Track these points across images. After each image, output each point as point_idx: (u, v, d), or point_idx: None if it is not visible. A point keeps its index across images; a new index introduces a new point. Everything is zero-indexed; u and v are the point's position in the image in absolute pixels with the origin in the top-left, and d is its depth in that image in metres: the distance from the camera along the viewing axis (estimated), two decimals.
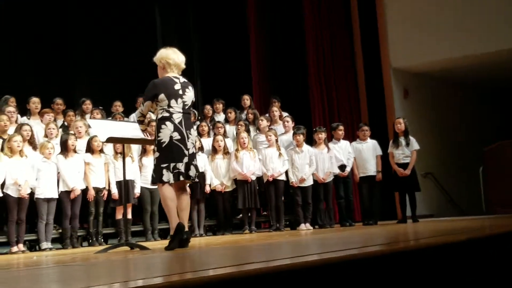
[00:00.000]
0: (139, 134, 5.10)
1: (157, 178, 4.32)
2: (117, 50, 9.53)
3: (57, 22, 9.28)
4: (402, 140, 7.44)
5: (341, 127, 7.86)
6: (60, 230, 6.37)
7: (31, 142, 6.34)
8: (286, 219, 7.59)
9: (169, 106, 4.33)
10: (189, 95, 4.44)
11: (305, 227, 7.27)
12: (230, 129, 8.06)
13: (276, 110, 8.12)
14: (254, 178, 7.29)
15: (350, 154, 7.68)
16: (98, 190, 6.51)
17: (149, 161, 6.40)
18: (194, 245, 4.56)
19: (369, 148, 7.70)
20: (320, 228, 7.35)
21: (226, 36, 10.43)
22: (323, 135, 7.60)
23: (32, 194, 6.08)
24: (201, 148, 7.15)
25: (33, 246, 6.28)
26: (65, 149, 6.37)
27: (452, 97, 10.84)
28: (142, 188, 6.78)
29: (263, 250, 3.69)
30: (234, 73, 10.18)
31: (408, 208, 7.41)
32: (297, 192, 7.36)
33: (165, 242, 4.41)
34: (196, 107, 8.49)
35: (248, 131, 7.64)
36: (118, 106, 7.90)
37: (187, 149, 4.33)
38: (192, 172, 4.36)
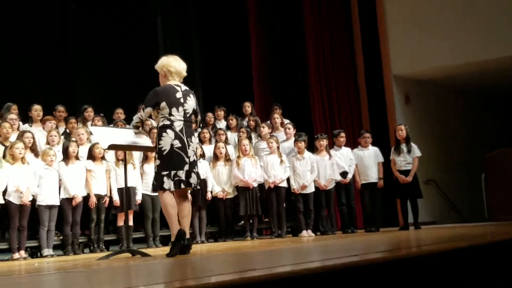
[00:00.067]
0: (141, 141, 5.11)
1: (158, 185, 4.34)
2: (118, 55, 9.58)
3: (58, 26, 9.33)
4: (403, 147, 7.43)
5: (343, 134, 7.86)
6: (62, 237, 6.37)
7: (33, 149, 6.35)
8: (287, 226, 7.58)
9: (170, 114, 4.34)
10: (190, 103, 4.46)
11: (307, 234, 7.25)
12: (232, 136, 8.06)
13: (277, 117, 8.14)
14: (255, 185, 7.29)
15: (352, 161, 7.67)
16: (99, 197, 6.52)
17: (151, 168, 6.40)
18: (195, 252, 4.55)
19: (370, 155, 7.70)
20: (322, 235, 7.33)
21: (227, 38, 10.47)
22: (324, 142, 7.60)
23: (33, 201, 6.09)
24: (202, 155, 7.16)
25: (34, 252, 6.28)
26: (66, 156, 6.38)
27: (454, 103, 10.84)
28: (143, 195, 6.78)
29: (265, 257, 3.68)
30: (235, 76, 10.22)
31: (410, 215, 7.40)
32: (299, 199, 7.35)
33: (167, 249, 4.41)
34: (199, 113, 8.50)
35: (249, 138, 7.64)
36: (119, 113, 7.92)
37: (188, 157, 4.34)
38: (193, 180, 4.37)
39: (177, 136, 4.31)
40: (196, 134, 6.76)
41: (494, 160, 9.09)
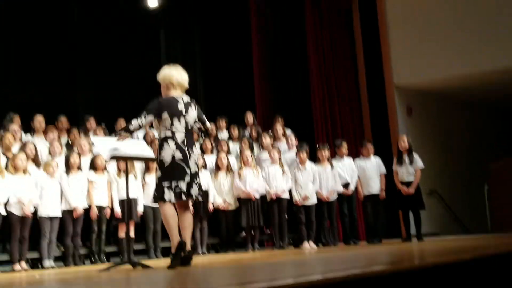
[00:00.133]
0: (142, 152, 5.11)
1: (158, 196, 4.33)
2: (121, 66, 9.61)
3: (61, 38, 9.36)
4: (405, 158, 7.39)
5: (345, 145, 7.85)
6: (63, 248, 6.34)
7: (35, 160, 6.35)
8: (289, 237, 7.54)
9: (171, 125, 4.35)
10: (192, 114, 4.46)
11: (309, 245, 7.21)
12: (234, 146, 8.05)
13: (279, 127, 8.12)
14: (258, 196, 7.26)
15: (354, 172, 7.65)
16: (101, 208, 6.50)
17: (152, 179, 6.39)
18: (197, 264, 4.52)
19: (372, 165, 7.67)
20: (324, 247, 7.29)
21: (229, 49, 10.51)
22: (326, 153, 7.58)
23: (35, 212, 6.07)
24: (204, 166, 7.15)
25: (35, 264, 6.25)
26: (68, 167, 6.38)
27: (456, 114, 10.82)
28: (145, 206, 6.76)
29: (267, 269, 3.66)
30: (237, 86, 10.24)
31: (413, 227, 7.35)
32: (301, 210, 7.32)
33: (168, 261, 4.39)
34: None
35: (251, 148, 7.63)
36: (122, 124, 7.91)
37: (189, 168, 4.33)
38: (194, 191, 4.36)
39: (178, 148, 4.31)
40: (197, 145, 6.78)
41: (497, 171, 9.06)
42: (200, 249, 7.01)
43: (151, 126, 7.47)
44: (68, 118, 7.65)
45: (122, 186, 6.41)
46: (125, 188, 5.42)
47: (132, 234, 6.26)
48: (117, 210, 6.57)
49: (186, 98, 4.50)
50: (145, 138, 7.38)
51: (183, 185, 4.30)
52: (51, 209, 6.15)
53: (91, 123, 7.63)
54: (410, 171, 7.33)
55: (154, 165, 6.22)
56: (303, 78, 9.78)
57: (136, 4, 10.18)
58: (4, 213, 5.82)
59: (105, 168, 6.65)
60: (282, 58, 10.18)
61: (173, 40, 10.83)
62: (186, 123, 4.40)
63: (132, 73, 9.50)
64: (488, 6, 8.91)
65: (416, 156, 7.40)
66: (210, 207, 7.16)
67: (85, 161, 6.68)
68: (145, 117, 4.42)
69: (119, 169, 6.66)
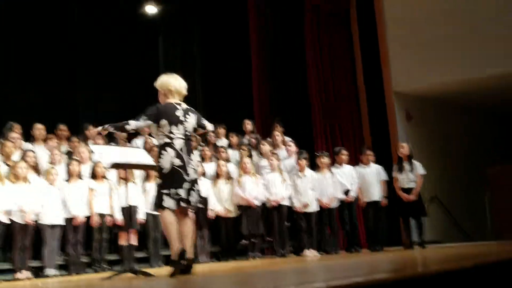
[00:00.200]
0: (142, 160, 5.11)
1: (158, 204, 4.33)
2: (120, 73, 9.64)
3: (60, 44, 9.38)
4: (406, 164, 7.39)
5: (344, 152, 7.84)
6: (65, 257, 6.33)
7: (35, 168, 6.35)
8: (290, 245, 7.53)
9: (170, 132, 4.36)
10: (190, 121, 4.48)
11: (310, 253, 7.20)
12: (233, 153, 8.05)
13: (278, 134, 8.11)
14: (258, 203, 7.26)
15: (354, 179, 7.64)
16: (102, 216, 6.49)
17: (153, 186, 6.39)
18: (198, 272, 4.52)
19: (373, 172, 7.67)
20: (325, 254, 7.27)
21: (228, 56, 10.53)
22: (325, 160, 7.58)
23: (36, 220, 6.06)
24: (203, 173, 7.15)
25: (37, 272, 6.23)
26: (68, 175, 6.38)
27: (456, 120, 10.83)
28: (146, 214, 6.75)
29: (268, 277, 3.65)
30: (236, 94, 10.25)
31: (415, 234, 7.33)
32: (301, 217, 7.31)
33: (169, 268, 4.38)
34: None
35: (250, 156, 7.63)
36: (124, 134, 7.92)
37: (188, 175, 4.34)
38: (193, 198, 4.36)
39: (177, 155, 4.32)
40: (196, 152, 6.78)
41: (497, 177, 9.05)
42: (201, 257, 6.99)
43: (150, 134, 7.49)
44: (67, 121, 7.65)
45: (122, 194, 6.40)
46: (125, 196, 5.42)
47: (133, 242, 6.25)
48: (118, 218, 6.56)
49: (185, 105, 4.52)
50: (144, 146, 7.39)
51: (182, 192, 4.30)
52: (52, 217, 6.15)
53: (91, 131, 7.62)
54: (410, 178, 7.33)
55: (154, 173, 6.21)
56: (302, 85, 9.79)
57: (135, 7, 10.23)
58: (5, 221, 5.81)
59: (105, 176, 6.65)
60: (281, 63, 10.19)
61: (172, 42, 10.86)
62: (185, 130, 4.42)
63: (131, 74, 9.55)
64: (487, 12, 8.93)
65: (416, 163, 7.40)
66: (210, 214, 7.14)
67: (85, 169, 6.68)
68: (143, 121, 4.42)
69: (119, 177, 6.66)
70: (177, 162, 4.31)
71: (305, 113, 9.67)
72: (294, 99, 9.95)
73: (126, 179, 5.68)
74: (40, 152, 6.81)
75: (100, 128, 4.66)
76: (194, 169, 4.41)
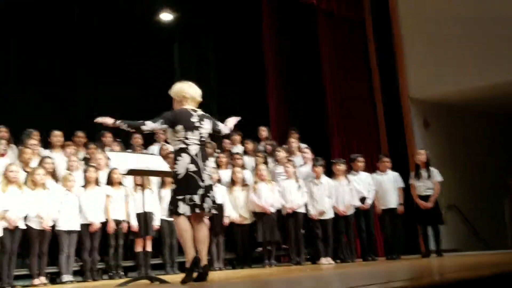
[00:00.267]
0: (158, 166, 5.14)
1: (173, 210, 4.34)
2: (136, 81, 9.70)
3: (76, 53, 9.48)
4: (423, 171, 7.34)
5: (360, 159, 7.80)
6: (81, 263, 6.38)
7: (53, 174, 6.42)
8: (306, 252, 7.49)
9: (186, 137, 4.38)
10: (206, 127, 4.49)
11: (326, 261, 7.15)
12: (249, 160, 8.05)
13: (294, 141, 8.09)
14: (273, 210, 7.23)
15: (371, 186, 7.59)
16: (118, 223, 6.53)
17: (168, 193, 6.40)
18: (213, 279, 4.51)
19: (390, 180, 7.62)
20: (341, 262, 7.22)
21: (243, 63, 10.53)
22: (342, 167, 7.54)
23: (53, 226, 6.12)
24: (219, 180, 7.15)
25: (54, 278, 6.28)
26: (85, 181, 6.44)
27: (474, 126, 10.72)
28: (161, 220, 6.77)
29: (284, 285, 3.63)
30: (252, 101, 10.24)
31: (432, 242, 7.26)
32: (317, 225, 7.27)
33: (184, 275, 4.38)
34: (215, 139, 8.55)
35: (266, 163, 7.62)
36: (138, 139, 7.98)
37: (203, 181, 4.35)
38: (207, 204, 4.36)
39: (192, 160, 4.33)
40: (212, 159, 6.80)
41: None
42: (216, 264, 6.98)
43: (166, 141, 7.52)
44: (86, 129, 7.71)
45: (138, 201, 6.44)
46: (141, 202, 5.45)
47: (149, 248, 6.27)
48: (134, 224, 6.60)
49: (200, 112, 4.54)
50: (160, 152, 7.42)
51: (196, 198, 4.31)
52: (69, 223, 6.20)
53: (108, 137, 7.68)
54: (428, 185, 7.27)
55: (169, 179, 6.24)
56: (318, 91, 9.77)
57: (150, 15, 10.32)
58: (23, 227, 5.88)
59: (121, 183, 6.69)
60: (297, 71, 10.19)
61: (187, 49, 10.92)
62: (200, 136, 4.43)
63: (147, 82, 9.60)
64: (504, 19, 8.85)
65: (434, 170, 7.34)
66: (226, 221, 7.14)
67: (102, 175, 6.74)
68: (159, 124, 4.43)
69: (135, 184, 6.69)
70: (192, 167, 4.32)
71: (321, 119, 9.64)
72: (309, 106, 9.93)
73: (142, 186, 5.71)
74: (58, 158, 6.88)
75: (111, 121, 4.52)
76: (209, 175, 4.42)
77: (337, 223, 7.36)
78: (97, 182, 6.52)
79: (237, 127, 8.62)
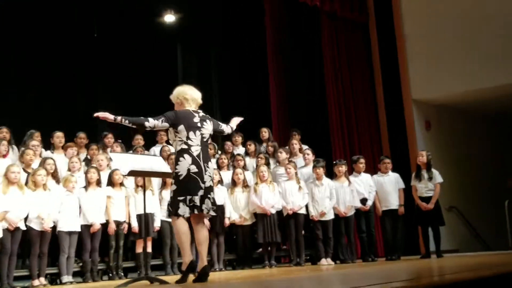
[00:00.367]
0: (160, 167, 5.14)
1: (173, 211, 4.34)
2: (138, 83, 9.73)
3: (79, 55, 9.51)
4: (424, 173, 7.34)
5: (362, 160, 7.80)
6: (81, 264, 6.38)
7: (54, 175, 6.43)
8: (306, 253, 7.49)
9: (188, 138, 4.38)
10: (208, 128, 4.50)
11: (326, 262, 7.15)
12: (250, 162, 8.05)
13: (295, 142, 8.10)
14: (273, 211, 7.24)
15: (372, 188, 7.59)
16: (118, 224, 6.54)
17: (169, 194, 6.41)
18: (213, 280, 4.52)
19: (391, 181, 7.62)
20: (341, 263, 7.22)
21: (245, 65, 10.58)
22: (343, 168, 7.54)
23: (54, 227, 6.13)
24: (220, 181, 7.16)
25: (54, 279, 6.29)
26: (86, 182, 6.45)
27: (475, 128, 10.72)
28: (162, 221, 6.78)
29: (284, 286, 3.64)
30: (253, 102, 10.27)
31: (432, 243, 7.26)
32: (318, 226, 7.27)
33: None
34: (216, 141, 8.56)
35: (268, 164, 7.62)
36: (139, 140, 8.00)
37: (204, 182, 4.35)
38: (207, 206, 4.36)
39: (194, 161, 4.33)
40: (213, 160, 6.80)
41: None
42: (217, 265, 6.99)
43: (167, 142, 7.54)
44: (87, 130, 7.73)
45: (139, 202, 6.44)
46: (142, 203, 5.46)
47: (149, 249, 6.28)
48: (135, 225, 6.60)
49: (202, 113, 4.56)
50: (161, 153, 7.44)
51: (197, 199, 4.31)
52: (70, 224, 6.20)
53: (109, 139, 7.70)
54: (429, 187, 7.28)
55: (170, 180, 6.25)
56: (320, 93, 9.78)
57: (153, 16, 10.34)
58: (24, 228, 5.88)
59: (122, 184, 6.70)
60: (299, 74, 10.21)
61: (190, 50, 10.95)
62: (202, 136, 4.43)
63: (148, 83, 9.63)
64: (506, 21, 8.86)
65: (435, 171, 7.34)
66: (226, 222, 7.14)
67: (104, 176, 6.74)
68: (162, 122, 4.42)
69: (136, 185, 6.70)
70: (194, 168, 4.32)
71: (323, 120, 9.64)
72: (311, 107, 9.94)
73: (144, 187, 5.72)
74: (59, 159, 6.89)
75: (111, 116, 4.45)
76: (210, 176, 4.43)
77: (338, 224, 7.36)
78: (98, 183, 6.53)
79: (238, 129, 8.69)
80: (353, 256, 7.42)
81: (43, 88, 9.06)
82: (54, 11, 9.19)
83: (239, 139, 8.50)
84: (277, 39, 10.17)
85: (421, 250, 8.01)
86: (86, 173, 6.50)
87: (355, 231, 7.63)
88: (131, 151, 7.40)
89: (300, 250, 7.21)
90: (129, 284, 4.84)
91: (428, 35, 9.54)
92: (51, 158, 6.52)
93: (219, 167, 7.55)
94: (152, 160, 5.50)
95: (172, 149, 6.67)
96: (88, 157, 7.37)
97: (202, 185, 4.34)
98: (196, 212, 4.33)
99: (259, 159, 7.67)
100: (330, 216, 7.30)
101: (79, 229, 6.26)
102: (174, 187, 4.38)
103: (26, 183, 6.05)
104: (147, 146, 7.93)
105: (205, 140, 4.47)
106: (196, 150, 4.37)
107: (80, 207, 6.35)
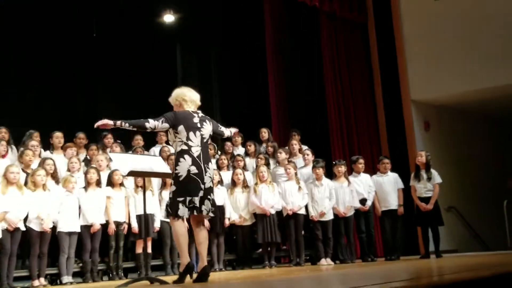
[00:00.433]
0: (160, 168, 5.15)
1: (172, 212, 4.34)
2: (137, 83, 9.73)
3: (79, 55, 9.51)
4: (423, 173, 7.35)
5: (361, 160, 7.81)
6: (81, 264, 6.38)
7: (54, 176, 6.42)
8: (306, 253, 7.50)
9: (187, 139, 4.38)
10: (207, 128, 4.51)
11: (326, 262, 7.16)
12: (250, 162, 8.06)
13: (295, 143, 8.11)
14: (273, 211, 7.25)
15: (371, 188, 7.61)
16: (118, 224, 6.54)
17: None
18: (213, 280, 4.52)
19: (390, 181, 7.63)
20: (341, 263, 7.23)
21: (245, 66, 10.57)
22: (342, 168, 7.55)
23: (53, 227, 6.13)
24: (220, 182, 7.17)
25: (54, 280, 6.29)
26: (86, 183, 6.45)
27: (474, 129, 10.73)
28: (162, 221, 6.78)
29: (284, 286, 3.64)
30: (253, 103, 10.28)
31: (431, 243, 7.27)
32: (317, 226, 7.28)
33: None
34: (216, 141, 8.56)
35: (267, 164, 7.63)
36: (139, 140, 8.00)
37: (204, 183, 4.35)
38: (206, 206, 4.36)
39: (194, 162, 4.33)
40: (213, 160, 6.80)
41: None
42: (217, 265, 7.00)
43: (167, 142, 7.54)
44: (86, 131, 7.73)
45: (139, 202, 6.44)
46: (142, 203, 5.46)
47: (149, 250, 6.29)
48: (135, 225, 6.61)
49: (201, 114, 4.57)
50: (160, 154, 7.44)
51: (196, 200, 4.31)
52: (70, 224, 6.20)
53: (109, 139, 7.70)
54: (428, 187, 7.28)
55: (170, 181, 6.25)
56: (319, 93, 9.79)
57: (153, 19, 10.35)
58: (23, 228, 5.88)
59: (122, 184, 6.70)
60: (298, 74, 10.21)
61: (189, 50, 10.95)
62: (202, 137, 4.44)
63: (148, 83, 9.63)
64: (505, 21, 8.87)
65: (434, 172, 7.35)
66: (226, 222, 7.15)
67: (103, 176, 6.74)
68: (162, 122, 4.41)
69: (136, 185, 6.70)
70: (194, 169, 4.32)
71: (322, 121, 9.65)
72: (311, 107, 9.94)
73: (143, 187, 5.72)
74: (59, 160, 6.89)
75: (111, 122, 4.38)
76: (210, 177, 4.43)
77: (337, 225, 7.37)
78: (98, 184, 6.53)
79: (238, 129, 8.68)
80: (352, 256, 7.43)
81: (43, 88, 9.05)
82: (54, 11, 9.18)
83: (239, 139, 8.50)
84: (276, 39, 10.17)
85: (420, 250, 8.02)
86: (85, 173, 6.50)
87: (355, 231, 7.64)
88: (130, 152, 7.39)
89: (299, 250, 7.22)
90: (129, 284, 4.85)
91: (428, 35, 9.55)
92: (51, 159, 6.52)
93: (219, 167, 7.55)
94: (152, 161, 5.51)
95: (172, 150, 6.67)
96: (88, 157, 7.36)
97: (202, 186, 4.34)
98: (195, 213, 4.33)
99: (259, 159, 7.67)
100: (329, 216, 7.31)
101: (79, 230, 6.26)
102: (173, 188, 4.38)
103: (26, 184, 6.04)
104: (147, 146, 7.93)
105: (205, 140, 4.47)
106: (196, 151, 4.37)
107: (79, 207, 6.35)
